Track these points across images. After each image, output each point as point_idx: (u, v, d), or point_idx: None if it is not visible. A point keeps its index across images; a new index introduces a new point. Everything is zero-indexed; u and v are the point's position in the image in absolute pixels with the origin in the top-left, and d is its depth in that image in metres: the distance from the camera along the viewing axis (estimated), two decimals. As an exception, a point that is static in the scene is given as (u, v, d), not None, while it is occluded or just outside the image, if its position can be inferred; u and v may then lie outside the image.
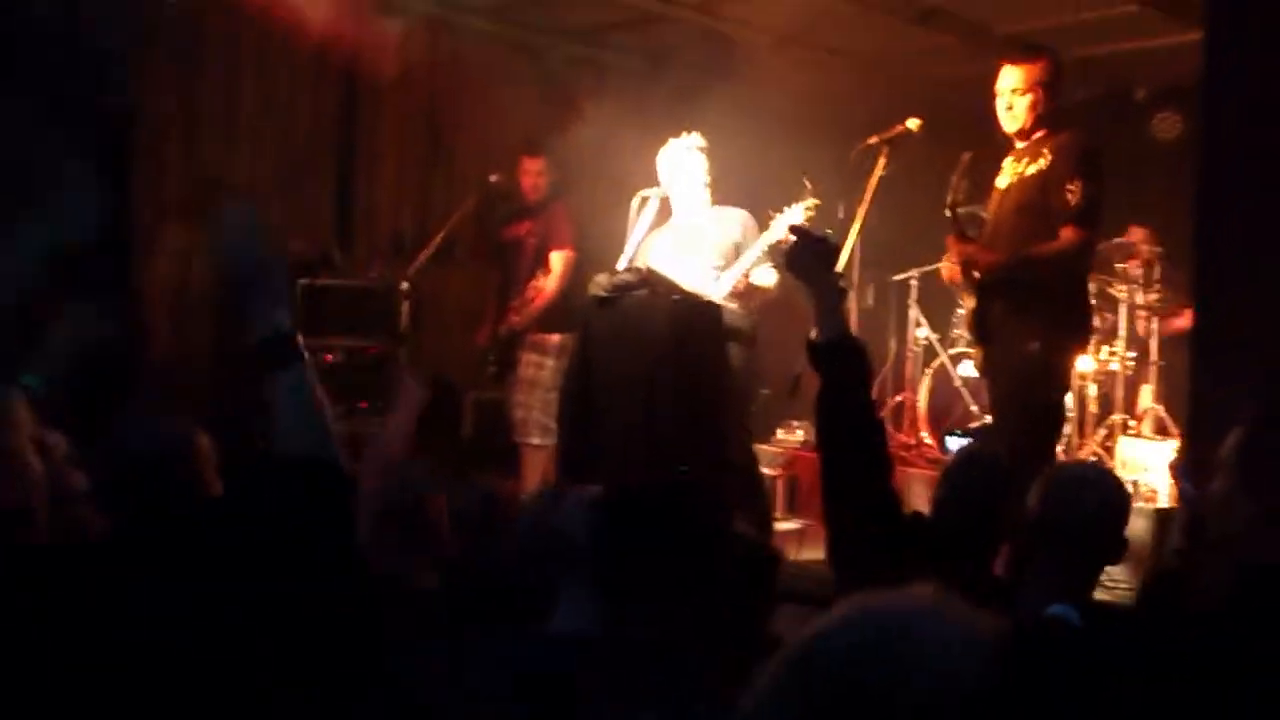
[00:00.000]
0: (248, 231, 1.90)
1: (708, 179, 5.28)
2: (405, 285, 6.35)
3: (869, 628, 0.99)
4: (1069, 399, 6.23)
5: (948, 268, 4.78)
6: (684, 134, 5.32)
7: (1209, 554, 2.58)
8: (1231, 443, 2.26)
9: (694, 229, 5.26)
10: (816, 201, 4.90)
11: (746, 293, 5.08)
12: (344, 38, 6.59)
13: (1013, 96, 4.49)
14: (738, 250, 5.15)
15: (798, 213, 4.89)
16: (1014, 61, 4.53)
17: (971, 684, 0.95)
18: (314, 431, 1.86)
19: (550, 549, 2.34)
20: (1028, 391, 4.39)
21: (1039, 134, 4.52)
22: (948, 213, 4.59)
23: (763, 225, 5.09)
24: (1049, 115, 4.50)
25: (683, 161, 5.28)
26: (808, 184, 4.92)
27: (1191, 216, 3.89)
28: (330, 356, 6.42)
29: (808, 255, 2.69)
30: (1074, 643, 2.28)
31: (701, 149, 5.27)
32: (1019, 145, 4.58)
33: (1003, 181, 4.60)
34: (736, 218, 5.26)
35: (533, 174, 6.37)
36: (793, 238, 2.70)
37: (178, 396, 6.28)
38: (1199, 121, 3.47)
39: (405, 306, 6.33)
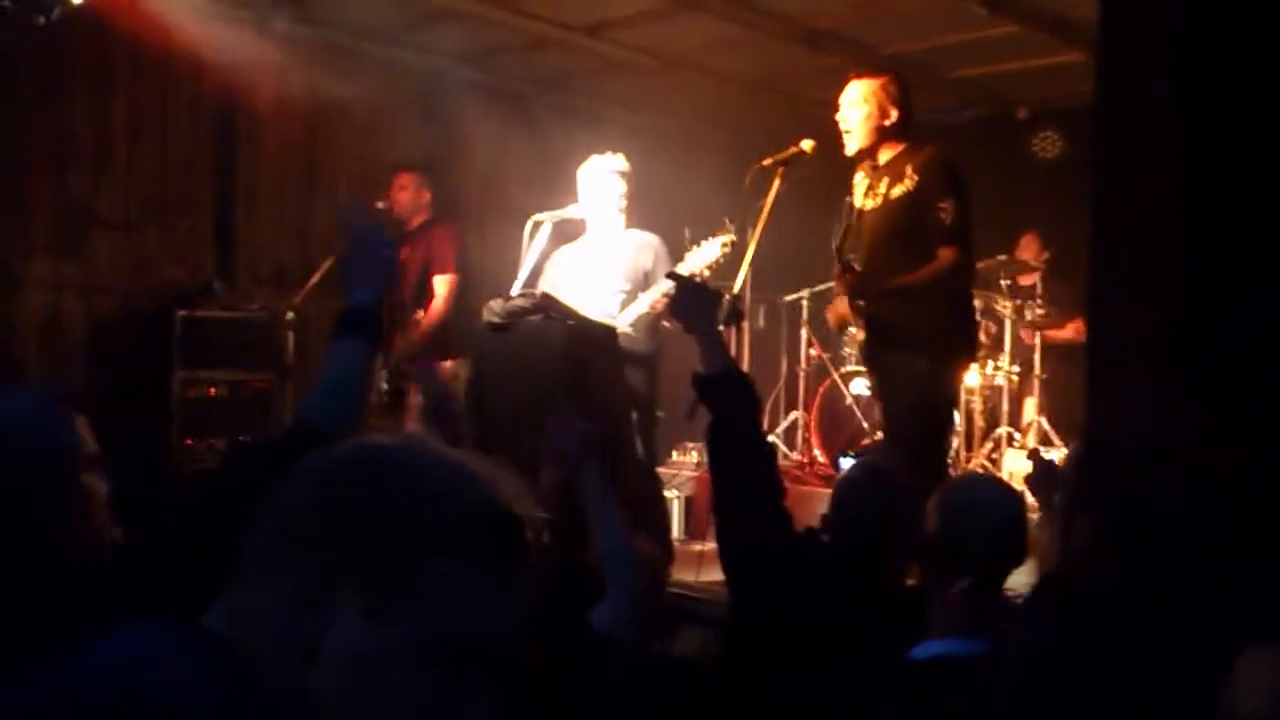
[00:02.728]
0: (354, 215, 2.05)
1: (624, 203, 5.20)
2: (290, 315, 6.20)
3: (363, 456, 1.07)
4: (955, 414, 6.33)
5: (833, 312, 4.82)
6: (609, 153, 5.24)
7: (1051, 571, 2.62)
8: (1069, 459, 2.27)
9: (606, 250, 5.18)
10: (733, 238, 4.84)
11: (661, 314, 5.01)
12: (219, 63, 6.43)
13: (848, 109, 4.50)
14: (647, 278, 5.06)
15: (714, 247, 4.82)
16: (857, 76, 4.56)
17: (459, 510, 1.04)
18: (342, 409, 1.87)
19: None
20: (917, 408, 4.42)
21: (896, 151, 4.52)
22: (836, 257, 4.58)
23: (676, 251, 5.02)
24: (893, 132, 4.50)
25: (602, 181, 5.19)
26: (728, 222, 4.87)
27: (1087, 239, 3.91)
28: (213, 390, 6.25)
29: (690, 301, 2.84)
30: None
31: (623, 172, 5.19)
32: (878, 163, 4.57)
33: (867, 203, 4.58)
34: (649, 244, 5.17)
35: (407, 189, 6.22)
36: (674, 285, 2.77)
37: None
38: (1094, 143, 3.51)
39: (290, 337, 6.18)
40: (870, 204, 4.57)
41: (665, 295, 4.84)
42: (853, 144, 4.53)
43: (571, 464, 2.72)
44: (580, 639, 2.32)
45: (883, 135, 4.50)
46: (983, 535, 2.55)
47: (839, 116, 4.54)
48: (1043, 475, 3.27)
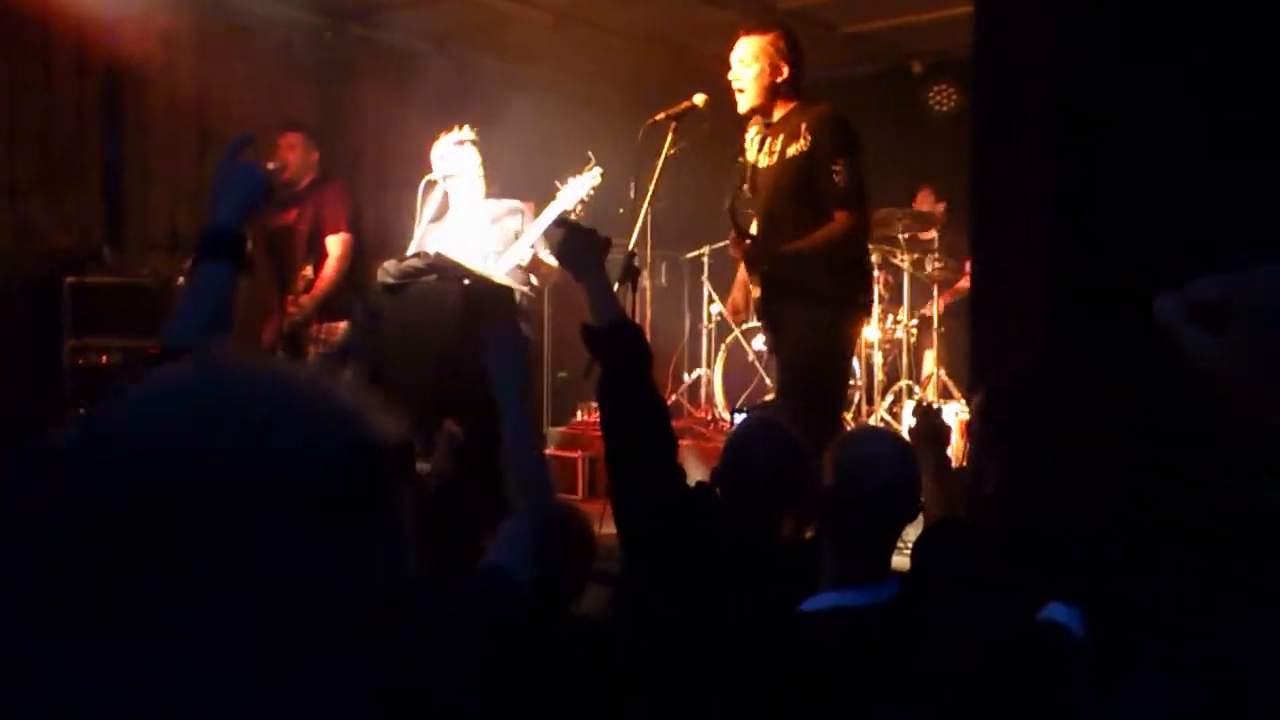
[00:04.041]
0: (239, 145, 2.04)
1: (481, 171, 5.20)
2: (182, 281, 6.05)
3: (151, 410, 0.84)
4: (856, 367, 6.41)
5: (730, 306, 4.85)
6: (455, 129, 5.22)
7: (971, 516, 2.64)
8: (974, 406, 2.30)
9: (471, 222, 5.18)
10: (600, 170, 4.88)
11: (533, 267, 5.03)
12: (102, 24, 6.23)
13: (739, 66, 4.47)
14: (518, 237, 5.10)
15: (584, 183, 4.85)
16: (746, 32, 4.52)
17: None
18: (203, 329, 1.80)
19: None
20: (811, 360, 4.44)
21: (789, 108, 4.51)
22: (730, 219, 4.59)
23: (550, 198, 5.05)
24: (785, 89, 4.48)
25: (454, 155, 5.18)
26: (591, 156, 4.89)
27: (969, 189, 3.97)
28: (106, 357, 6.10)
29: (577, 248, 2.75)
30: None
31: (473, 141, 5.18)
32: (771, 119, 4.54)
33: (762, 159, 4.56)
34: (515, 208, 5.21)
35: (295, 148, 6.09)
36: (561, 231, 2.71)
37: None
38: (972, 94, 3.56)
39: (184, 303, 6.04)
40: (765, 161, 4.55)
41: (545, 237, 4.87)
42: (746, 102, 4.50)
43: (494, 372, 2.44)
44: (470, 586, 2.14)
45: (775, 92, 4.47)
46: (877, 488, 2.57)
47: (731, 75, 4.52)
48: (924, 428, 3.31)
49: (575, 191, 4.86)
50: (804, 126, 4.43)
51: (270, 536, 0.80)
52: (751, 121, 4.65)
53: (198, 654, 0.79)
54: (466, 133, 5.19)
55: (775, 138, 4.52)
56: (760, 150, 4.58)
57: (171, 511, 0.79)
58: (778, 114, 4.53)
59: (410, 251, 5.05)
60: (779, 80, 4.46)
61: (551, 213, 4.95)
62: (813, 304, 4.41)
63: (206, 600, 0.79)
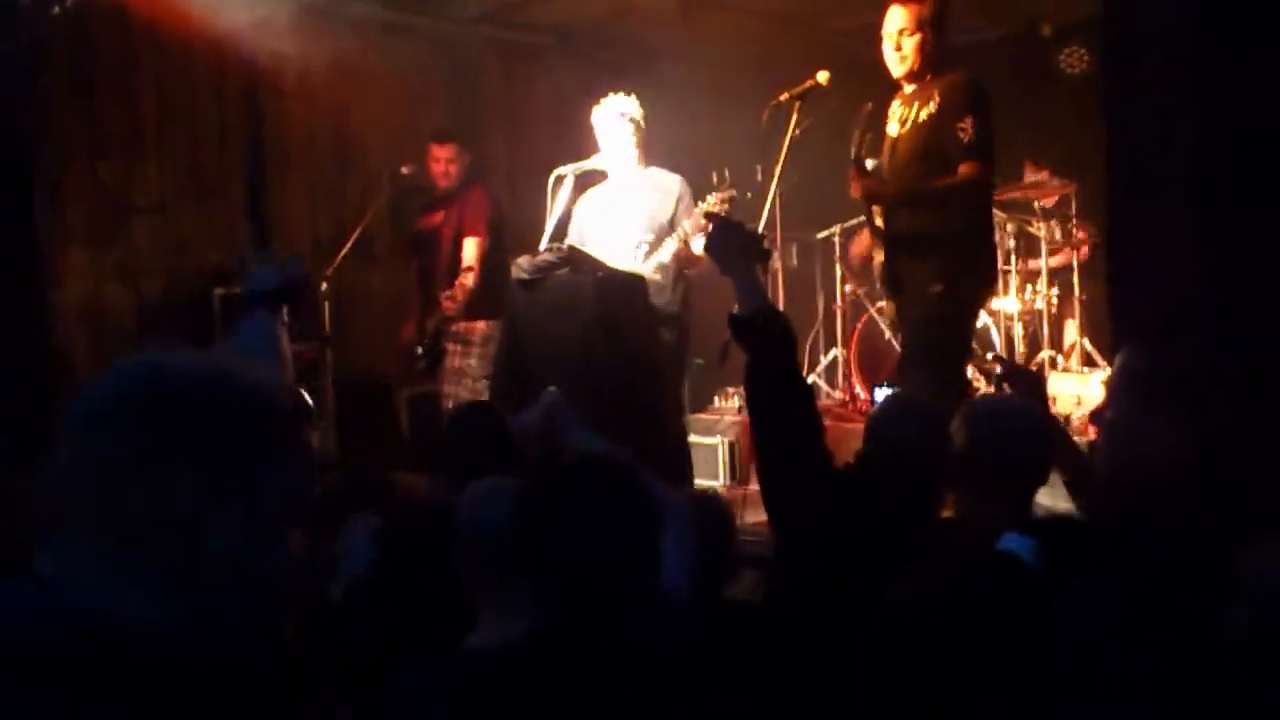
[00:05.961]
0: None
1: (636, 141, 5.24)
2: (325, 285, 6.26)
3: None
4: (998, 340, 6.33)
5: (857, 246, 4.86)
6: (617, 93, 5.28)
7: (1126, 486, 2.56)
8: (1119, 366, 2.23)
9: (627, 194, 5.23)
10: (732, 193, 4.90)
11: (687, 259, 5.07)
12: (240, 42, 6.45)
13: (900, 37, 4.50)
14: (671, 225, 5.13)
15: (712, 204, 4.93)
16: (900, 1, 4.53)
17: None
18: (264, 359, 2.24)
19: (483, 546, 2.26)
20: (931, 332, 4.45)
21: (927, 77, 4.53)
22: (852, 161, 4.61)
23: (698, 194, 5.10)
24: (936, 56, 4.51)
25: (611, 124, 5.24)
26: (727, 175, 4.93)
27: (1105, 152, 3.90)
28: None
29: (724, 242, 2.80)
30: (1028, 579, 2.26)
31: (633, 116, 5.23)
32: (907, 89, 4.59)
33: (894, 128, 4.62)
34: (671, 187, 5.22)
35: (442, 160, 6.26)
36: (710, 226, 2.78)
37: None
38: (1102, 56, 3.50)
39: (327, 307, 6.24)
40: (899, 130, 4.60)
41: (697, 228, 4.90)
42: (903, 68, 4.54)
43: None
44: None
45: (928, 61, 4.53)
46: (1005, 456, 2.58)
47: (890, 45, 4.54)
48: (1024, 389, 3.26)
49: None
50: (937, 91, 4.50)
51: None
52: (896, 94, 4.66)
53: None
54: (629, 104, 5.22)
55: (911, 106, 4.58)
56: (899, 121, 4.60)
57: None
58: (920, 82, 4.57)
59: (544, 245, 5.12)
60: (933, 49, 4.51)
61: (675, 239, 5.02)
62: (933, 269, 4.42)
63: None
